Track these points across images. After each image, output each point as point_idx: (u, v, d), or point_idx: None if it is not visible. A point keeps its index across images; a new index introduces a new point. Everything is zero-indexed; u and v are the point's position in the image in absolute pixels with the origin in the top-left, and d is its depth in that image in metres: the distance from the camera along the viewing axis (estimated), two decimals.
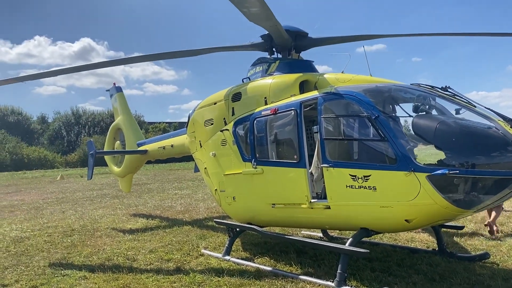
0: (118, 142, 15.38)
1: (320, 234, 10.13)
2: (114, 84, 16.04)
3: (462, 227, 8.19)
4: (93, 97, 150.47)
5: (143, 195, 22.23)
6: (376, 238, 9.28)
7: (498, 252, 8.15)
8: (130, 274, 7.64)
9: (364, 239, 7.38)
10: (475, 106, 6.33)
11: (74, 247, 9.97)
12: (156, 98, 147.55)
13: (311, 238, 10.06)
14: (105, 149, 16.16)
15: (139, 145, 14.15)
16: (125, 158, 14.61)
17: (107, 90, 16.59)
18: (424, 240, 9.34)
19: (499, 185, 5.77)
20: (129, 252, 9.21)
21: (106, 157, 16.35)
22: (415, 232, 9.71)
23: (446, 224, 7.91)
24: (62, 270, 8.07)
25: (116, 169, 15.38)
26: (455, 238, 9.36)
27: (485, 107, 6.36)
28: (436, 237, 8.06)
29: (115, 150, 15.42)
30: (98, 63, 10.12)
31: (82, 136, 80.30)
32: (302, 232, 10.52)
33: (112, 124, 15.94)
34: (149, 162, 15.15)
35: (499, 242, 8.86)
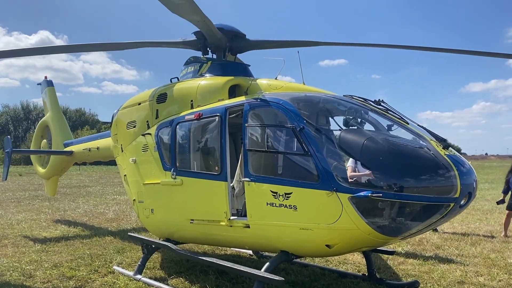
0: (44, 140, 14.09)
1: (250, 251, 9.39)
2: (46, 77, 14.77)
3: (393, 252, 7.67)
4: None
5: (79, 198, 20.83)
6: (307, 259, 8.63)
7: (429, 279, 7.67)
8: None
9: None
10: (407, 123, 5.81)
11: None
12: (114, 97, 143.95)
13: (239, 255, 9.32)
14: (32, 148, 14.83)
15: (66, 145, 12.97)
16: (50, 159, 13.38)
17: (38, 84, 15.27)
18: (357, 263, 8.78)
19: (427, 211, 5.25)
20: (28, 267, 8.10)
21: (32, 157, 15.03)
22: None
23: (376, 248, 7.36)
24: None
25: (41, 169, 14.09)
26: (388, 261, 8.87)
27: (418, 125, 5.87)
28: (366, 262, 7.48)
29: (37, 149, 14.12)
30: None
31: (31, 132, 76.39)
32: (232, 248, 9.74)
33: (40, 121, 14.65)
34: (98, 162, 13.87)
35: (432, 267, 8.43)
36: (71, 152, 12.41)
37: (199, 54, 8.64)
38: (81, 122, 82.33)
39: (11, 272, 7.78)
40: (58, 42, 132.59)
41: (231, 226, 6.49)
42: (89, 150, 11.57)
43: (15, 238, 10.83)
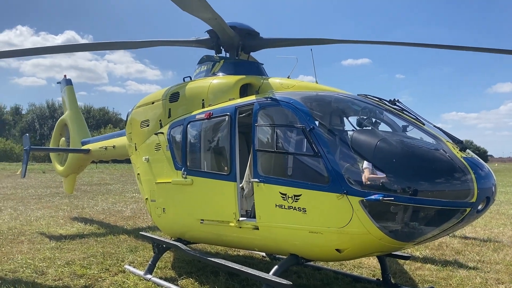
0: (63, 139, 14.26)
1: (264, 253, 9.24)
2: (65, 76, 14.94)
3: (408, 257, 7.42)
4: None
5: (98, 196, 21.07)
6: (320, 262, 8.43)
7: (446, 286, 7.39)
8: None
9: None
10: (423, 124, 5.57)
11: None
12: (138, 97, 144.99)
13: (251, 257, 9.19)
14: (51, 146, 15.04)
15: (83, 143, 13.10)
16: (68, 157, 13.52)
17: (58, 83, 15.48)
18: (372, 267, 8.54)
19: (442, 216, 5.01)
20: (41, 264, 8.16)
21: (51, 154, 15.28)
22: None
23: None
24: None
25: (59, 167, 14.27)
26: (405, 266, 8.59)
27: (434, 125, 5.62)
28: (381, 266, 7.23)
29: (54, 147, 14.30)
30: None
31: None
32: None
33: (59, 120, 14.82)
34: (116, 161, 13.80)
35: (450, 273, 8.12)
36: (88, 150, 12.51)
37: (212, 53, 8.56)
38: (104, 121, 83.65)
39: (24, 268, 7.85)
40: (83, 41, 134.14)
41: (240, 227, 6.37)
42: (105, 148, 11.64)
43: (31, 234, 10.98)
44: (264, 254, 9.21)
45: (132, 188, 25.46)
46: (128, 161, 14.95)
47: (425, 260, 9.12)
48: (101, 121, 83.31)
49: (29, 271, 7.71)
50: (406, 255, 7.38)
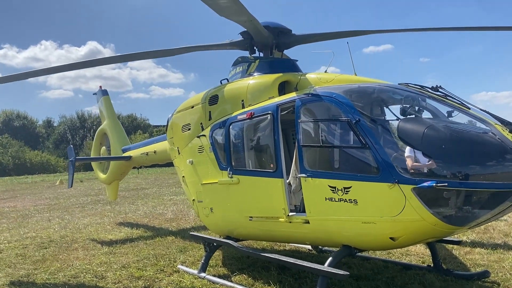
0: (104, 147, 14.74)
1: (309, 246, 9.39)
2: (100, 87, 15.42)
3: (459, 242, 7.42)
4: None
5: (137, 201, 21.61)
6: (368, 252, 8.51)
7: (500, 268, 7.36)
8: None
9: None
10: (469, 108, 5.59)
11: (43, 262, 9.32)
12: (162, 101, 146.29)
13: (298, 251, 9.35)
14: (92, 155, 15.57)
15: (124, 150, 13.51)
16: (110, 165, 13.98)
17: (94, 94, 15.96)
18: (420, 254, 8.57)
19: (496, 199, 5.04)
20: (99, 268, 8.54)
21: (93, 164, 15.78)
22: None
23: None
24: None
25: (102, 175, 14.75)
26: (453, 252, 8.58)
27: (480, 109, 5.62)
28: (431, 252, 7.29)
29: (97, 156, 14.81)
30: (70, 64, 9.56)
31: (87, 139, 79.95)
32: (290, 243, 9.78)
33: (98, 129, 15.33)
34: (152, 164, 14.00)
35: (502, 256, 8.07)
36: (129, 157, 12.90)
37: (246, 53, 8.72)
38: (133, 127, 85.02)
39: (84, 274, 8.24)
40: (106, 51, 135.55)
41: (290, 222, 6.53)
42: (147, 154, 11.96)
43: (84, 241, 11.44)
44: (310, 247, 9.36)
45: (168, 191, 25.97)
46: (161, 165, 15.30)
47: (474, 244, 9.07)
48: (130, 127, 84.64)
49: (90, 276, 8.09)
50: (456, 240, 7.39)
